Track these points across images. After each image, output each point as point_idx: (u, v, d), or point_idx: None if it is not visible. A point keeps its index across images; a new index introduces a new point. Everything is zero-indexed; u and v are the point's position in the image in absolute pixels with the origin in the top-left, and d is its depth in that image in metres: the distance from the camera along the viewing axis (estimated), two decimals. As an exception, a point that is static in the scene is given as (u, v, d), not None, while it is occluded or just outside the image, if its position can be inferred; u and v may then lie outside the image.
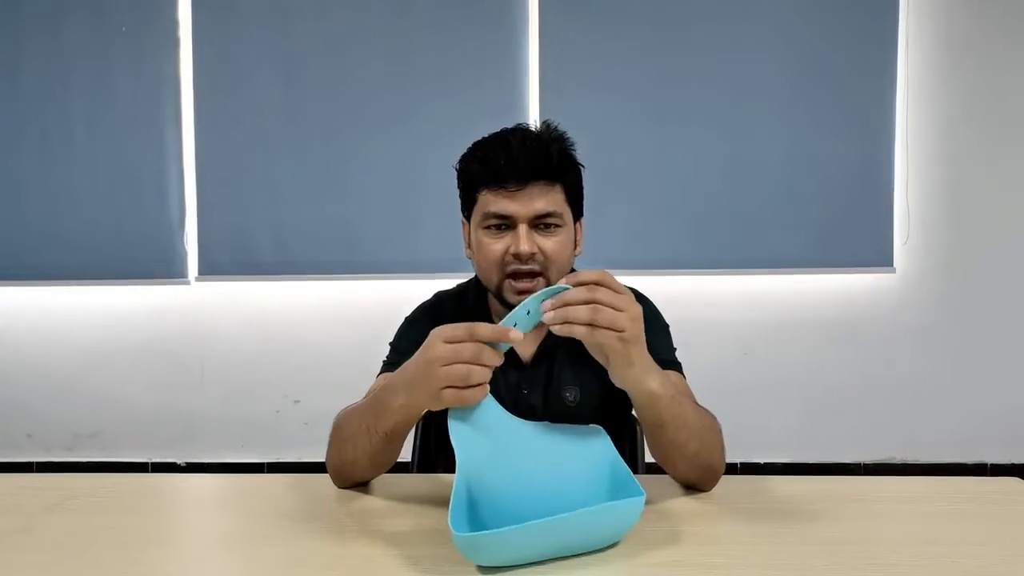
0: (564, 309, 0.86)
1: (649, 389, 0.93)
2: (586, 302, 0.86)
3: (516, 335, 0.85)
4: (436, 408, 0.90)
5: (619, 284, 0.89)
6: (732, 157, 2.98)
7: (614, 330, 0.86)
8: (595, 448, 0.92)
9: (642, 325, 0.90)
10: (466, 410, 0.88)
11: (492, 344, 0.86)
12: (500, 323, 0.87)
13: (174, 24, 3.05)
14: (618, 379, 0.92)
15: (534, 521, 0.78)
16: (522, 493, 0.87)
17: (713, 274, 3.01)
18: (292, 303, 3.13)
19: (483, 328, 0.86)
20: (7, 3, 3.05)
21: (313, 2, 3.02)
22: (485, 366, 0.85)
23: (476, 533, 0.79)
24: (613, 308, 0.86)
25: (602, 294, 0.86)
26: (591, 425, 0.95)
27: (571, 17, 2.97)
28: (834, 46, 2.96)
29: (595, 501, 0.85)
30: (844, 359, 3.07)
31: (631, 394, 0.95)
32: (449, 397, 0.85)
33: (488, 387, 0.86)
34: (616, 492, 0.88)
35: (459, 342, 0.86)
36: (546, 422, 0.93)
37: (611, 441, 0.94)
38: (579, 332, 0.86)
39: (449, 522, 0.78)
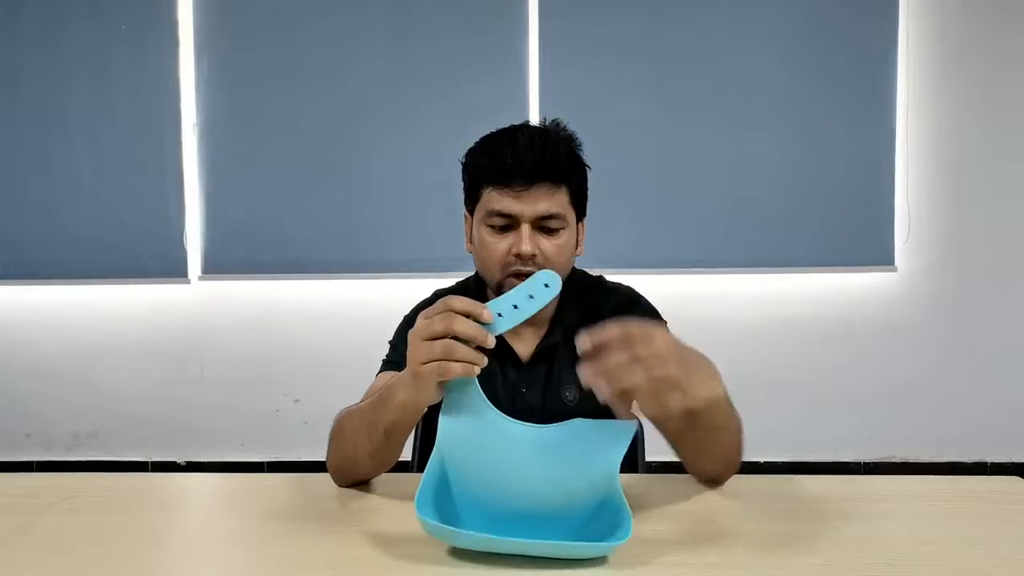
0: (611, 378, 0.79)
1: (716, 395, 0.87)
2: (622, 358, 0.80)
3: (488, 315, 0.84)
4: (426, 393, 0.88)
5: (637, 327, 0.82)
6: (733, 157, 2.98)
7: (660, 361, 0.79)
8: (597, 468, 0.86)
9: (674, 341, 0.83)
10: (460, 399, 0.88)
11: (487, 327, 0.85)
12: (499, 299, 0.86)
13: (174, 24, 3.04)
14: (689, 402, 0.82)
15: (493, 536, 0.80)
16: (501, 493, 0.86)
17: (713, 273, 3.01)
18: (293, 302, 3.13)
19: (457, 300, 0.85)
20: (7, 3, 3.05)
21: (314, 2, 3.02)
22: (466, 340, 0.84)
23: (432, 521, 0.81)
24: (646, 347, 0.80)
25: (635, 343, 0.80)
26: (614, 428, 0.85)
27: (571, 14, 2.97)
28: (834, 46, 2.96)
29: (579, 516, 0.85)
30: (844, 358, 3.07)
31: (700, 401, 0.84)
32: (428, 371, 0.85)
33: (477, 369, 0.84)
34: (606, 514, 0.84)
35: (435, 315, 0.86)
36: (559, 424, 0.89)
37: (619, 460, 0.85)
38: (639, 385, 0.79)
39: (415, 500, 0.82)
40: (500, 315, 0.86)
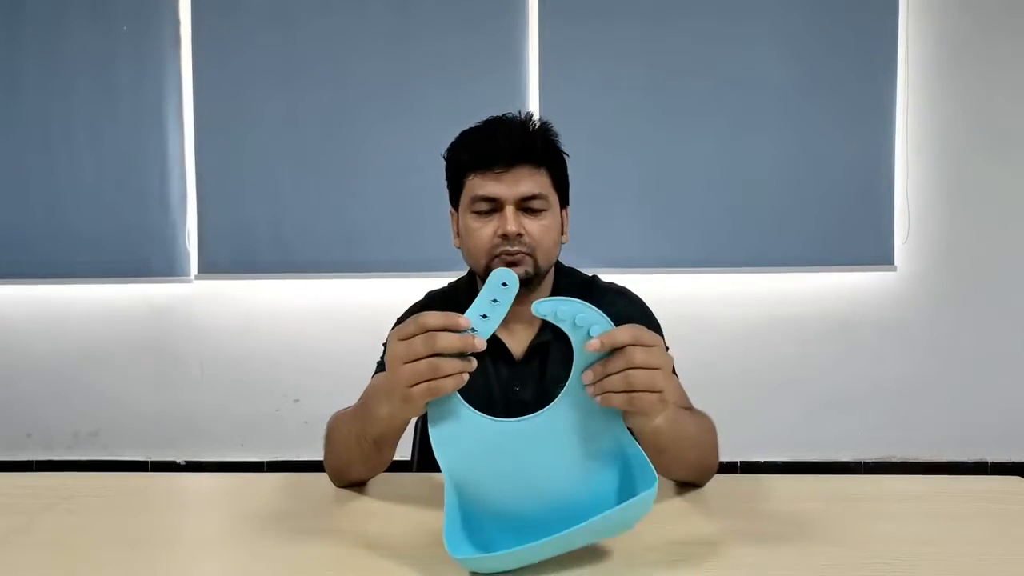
0: (602, 383, 0.83)
1: (654, 426, 0.89)
2: (621, 368, 0.82)
3: (465, 321, 0.82)
4: (414, 411, 0.87)
5: (650, 336, 0.84)
6: (733, 156, 2.98)
7: (652, 391, 0.83)
8: (601, 428, 0.86)
9: (674, 379, 0.87)
10: (445, 420, 0.86)
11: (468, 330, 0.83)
12: (467, 311, 0.83)
13: (175, 24, 3.05)
14: (634, 422, 0.88)
15: (535, 543, 0.76)
16: (520, 496, 0.85)
17: (713, 273, 3.01)
18: (292, 302, 3.13)
19: (430, 317, 0.82)
20: (9, 3, 3.05)
21: (314, 2, 3.02)
22: (451, 355, 0.82)
23: (473, 556, 0.79)
24: (647, 367, 0.82)
25: (636, 356, 0.82)
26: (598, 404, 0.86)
27: (571, 14, 2.97)
28: (834, 45, 2.96)
29: (603, 489, 0.85)
30: (844, 357, 3.07)
31: (636, 433, 0.90)
32: (419, 393, 0.83)
33: (466, 376, 0.82)
34: (626, 476, 0.85)
35: (412, 336, 0.83)
36: (542, 411, 0.87)
37: (620, 417, 0.87)
38: (618, 400, 0.83)
39: (445, 544, 0.77)
40: (485, 316, 0.83)
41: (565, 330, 0.84)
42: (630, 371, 0.82)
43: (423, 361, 0.82)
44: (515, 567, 0.79)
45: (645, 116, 2.98)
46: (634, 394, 0.82)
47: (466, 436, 0.86)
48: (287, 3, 3.03)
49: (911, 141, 2.99)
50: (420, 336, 0.82)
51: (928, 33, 2.99)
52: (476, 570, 0.79)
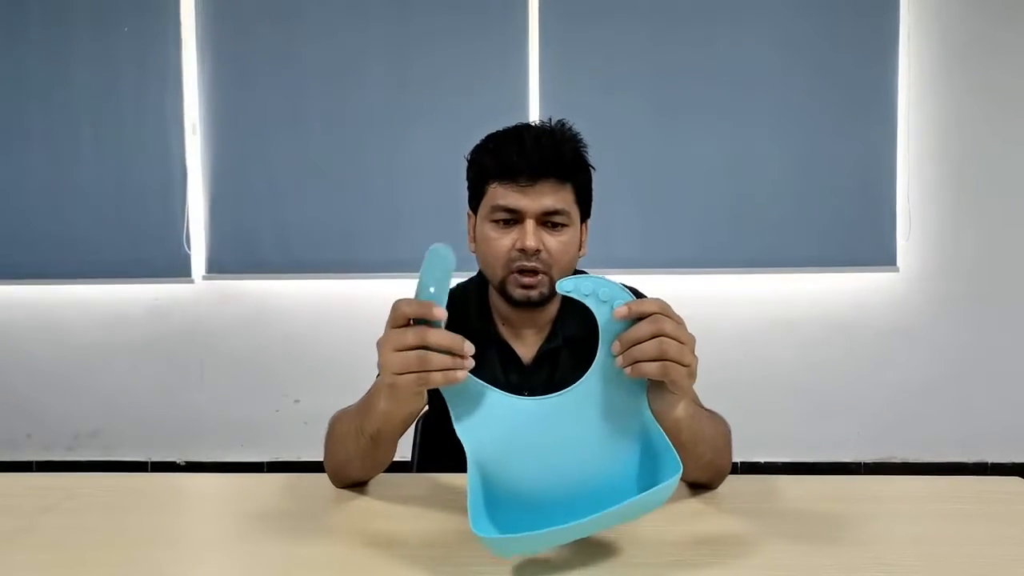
0: (631, 350, 0.82)
1: (676, 416, 0.90)
2: (651, 336, 0.82)
3: (440, 311, 0.81)
4: (405, 401, 0.87)
5: (675, 313, 0.85)
6: (734, 157, 2.98)
7: (681, 364, 0.83)
8: (624, 409, 0.87)
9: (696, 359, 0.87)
10: (467, 401, 0.86)
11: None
12: (417, 292, 0.83)
13: (177, 25, 3.05)
14: (657, 406, 0.88)
15: (560, 527, 0.75)
16: (541, 475, 0.85)
17: (715, 273, 3.01)
18: (294, 302, 3.13)
19: (406, 305, 0.83)
20: (11, 4, 3.05)
21: (316, 4, 3.02)
22: (442, 351, 0.81)
23: (498, 537, 0.79)
24: (677, 340, 0.82)
25: (666, 325, 0.82)
26: (625, 380, 0.85)
27: (571, 18, 2.97)
28: (836, 44, 2.96)
29: (623, 471, 0.85)
30: (845, 358, 3.07)
31: (657, 418, 0.89)
32: (405, 383, 0.82)
33: (460, 374, 0.82)
34: (646, 458, 0.85)
35: (399, 326, 0.83)
36: (567, 389, 0.88)
37: (645, 399, 0.87)
38: (651, 370, 0.82)
39: (471, 523, 0.77)
40: (433, 289, 0.84)
41: (588, 304, 0.85)
42: (662, 338, 0.82)
43: (412, 352, 0.81)
44: (537, 549, 0.80)
45: (645, 118, 2.99)
46: (668, 363, 0.82)
47: (490, 416, 0.87)
48: (289, 6, 3.03)
49: (912, 140, 2.99)
50: (413, 328, 0.82)
51: (930, 32, 2.99)
52: (498, 551, 0.78)
